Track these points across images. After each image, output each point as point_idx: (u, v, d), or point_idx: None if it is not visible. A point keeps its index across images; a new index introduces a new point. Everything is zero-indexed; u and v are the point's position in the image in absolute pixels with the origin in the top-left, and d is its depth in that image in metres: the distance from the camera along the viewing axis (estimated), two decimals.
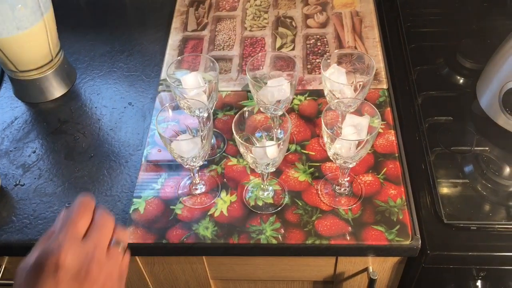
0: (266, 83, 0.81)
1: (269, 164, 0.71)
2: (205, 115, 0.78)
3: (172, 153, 0.73)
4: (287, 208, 0.78)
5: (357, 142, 0.69)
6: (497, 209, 0.78)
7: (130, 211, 0.79)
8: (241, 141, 0.69)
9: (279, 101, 0.78)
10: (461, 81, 0.95)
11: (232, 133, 0.70)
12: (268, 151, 0.69)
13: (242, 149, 0.71)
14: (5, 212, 0.81)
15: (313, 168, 0.83)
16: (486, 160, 0.82)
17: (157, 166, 0.85)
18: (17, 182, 0.85)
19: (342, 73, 0.78)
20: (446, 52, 0.99)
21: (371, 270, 0.81)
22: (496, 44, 0.89)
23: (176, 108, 0.77)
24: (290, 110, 0.91)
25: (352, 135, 0.71)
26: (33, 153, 0.89)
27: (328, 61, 0.81)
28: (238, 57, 1.01)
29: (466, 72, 0.96)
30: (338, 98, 0.77)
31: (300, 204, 0.79)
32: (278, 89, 0.76)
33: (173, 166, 0.85)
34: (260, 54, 0.85)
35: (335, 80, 0.76)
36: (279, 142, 0.69)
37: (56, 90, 0.97)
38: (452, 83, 0.95)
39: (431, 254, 0.73)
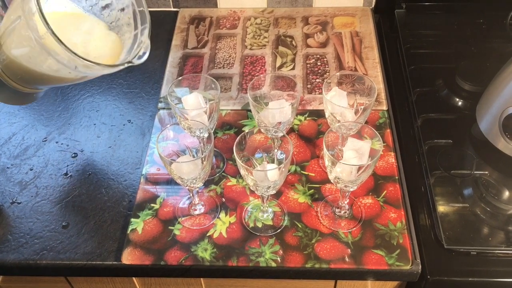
0: (267, 103, 0.81)
1: (270, 186, 0.71)
2: (206, 135, 0.78)
3: (172, 174, 0.73)
4: (287, 230, 0.78)
5: (358, 166, 0.69)
6: (496, 234, 0.77)
7: (128, 231, 0.79)
8: (243, 164, 0.68)
9: (279, 123, 0.78)
10: (460, 103, 0.96)
11: (232, 153, 0.70)
12: (269, 174, 0.69)
13: (243, 172, 0.71)
14: (1, 230, 0.80)
15: (313, 190, 0.83)
16: (486, 184, 0.82)
17: (156, 185, 0.84)
18: (14, 200, 0.84)
19: (343, 96, 0.79)
20: (445, 74, 1.00)
21: None
22: (495, 67, 0.89)
23: (176, 127, 0.76)
24: (290, 130, 0.91)
25: (353, 159, 0.71)
26: (30, 170, 0.88)
27: (329, 81, 0.81)
28: (238, 75, 1.01)
29: (465, 94, 0.96)
30: (339, 121, 0.77)
31: (300, 226, 0.78)
32: (279, 111, 0.76)
33: (172, 186, 0.84)
34: (262, 75, 0.85)
35: (336, 103, 0.76)
36: (281, 166, 0.68)
37: None
38: (451, 105, 0.96)
39: (431, 279, 0.73)
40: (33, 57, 0.70)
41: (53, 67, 0.70)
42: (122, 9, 0.77)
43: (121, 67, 0.72)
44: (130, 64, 0.73)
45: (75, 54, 0.65)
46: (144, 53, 0.75)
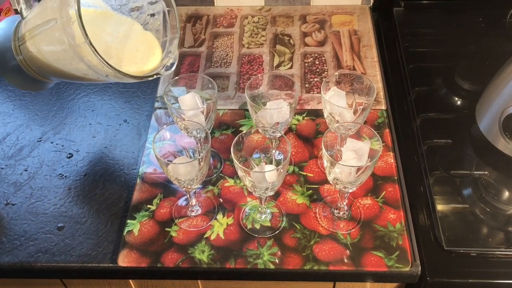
0: (264, 103, 0.80)
1: (268, 188, 0.70)
2: (203, 135, 0.77)
3: (169, 175, 0.72)
4: (285, 232, 0.77)
5: (357, 167, 0.68)
6: (496, 235, 0.77)
7: (124, 233, 0.77)
8: (241, 166, 0.67)
9: (277, 123, 0.77)
10: (459, 102, 0.95)
11: (229, 153, 0.69)
12: (267, 176, 0.68)
13: (240, 173, 0.70)
14: None
15: (311, 191, 0.82)
16: (486, 184, 0.82)
17: (152, 186, 0.83)
18: (8, 201, 0.83)
19: (342, 96, 0.78)
20: (445, 73, 0.99)
21: None
22: (494, 66, 0.89)
23: (172, 127, 0.75)
24: (288, 130, 0.90)
25: (353, 160, 0.70)
26: (25, 171, 0.87)
27: (327, 81, 0.80)
28: (235, 74, 1.00)
29: (464, 94, 0.95)
30: (338, 121, 0.76)
31: (298, 227, 0.78)
32: (277, 111, 0.75)
33: (168, 187, 0.83)
34: (259, 75, 0.84)
35: (335, 103, 0.75)
36: (279, 167, 0.67)
37: None
38: (450, 104, 0.95)
39: (431, 281, 0.72)
40: (62, 59, 0.69)
41: (82, 71, 0.69)
42: (152, 15, 0.76)
43: (150, 78, 0.72)
44: (158, 76, 0.73)
45: (111, 66, 0.64)
46: (172, 64, 0.74)
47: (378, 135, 0.71)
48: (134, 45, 0.75)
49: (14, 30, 0.73)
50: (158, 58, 0.75)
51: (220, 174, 0.85)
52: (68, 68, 0.70)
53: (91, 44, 0.62)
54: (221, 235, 0.77)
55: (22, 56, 0.72)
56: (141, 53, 0.75)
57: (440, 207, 0.79)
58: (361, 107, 0.75)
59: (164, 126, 0.74)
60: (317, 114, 0.93)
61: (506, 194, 0.81)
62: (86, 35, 0.62)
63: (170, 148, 0.76)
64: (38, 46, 0.70)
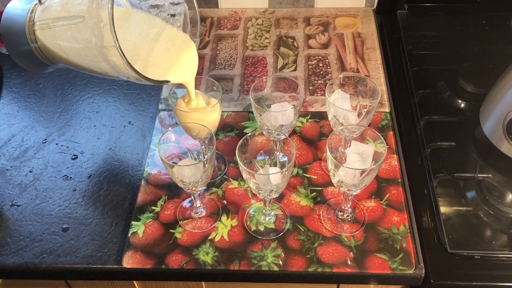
0: (269, 105, 0.80)
1: (272, 190, 0.70)
2: (207, 137, 0.77)
3: (174, 177, 0.72)
4: (289, 234, 0.77)
5: (361, 170, 0.69)
6: (500, 237, 0.77)
7: (129, 234, 0.78)
8: (245, 168, 0.68)
9: (282, 125, 0.78)
10: (463, 105, 0.95)
11: (233, 155, 0.69)
12: (272, 178, 0.68)
13: (245, 175, 0.70)
14: (0, 233, 0.79)
15: (315, 193, 0.82)
16: (489, 187, 0.82)
17: (157, 188, 0.84)
18: (13, 202, 0.83)
19: (346, 99, 0.78)
20: (448, 75, 0.99)
21: None
22: (497, 69, 0.89)
23: (177, 129, 0.76)
24: (292, 132, 0.90)
25: (357, 162, 0.70)
26: (30, 172, 0.87)
27: (331, 83, 0.81)
28: (239, 76, 1.01)
29: (468, 96, 0.95)
30: (342, 124, 0.77)
31: (302, 229, 0.78)
32: (282, 114, 0.76)
33: (173, 188, 0.83)
34: (264, 77, 0.84)
35: (339, 106, 0.75)
36: (284, 170, 0.68)
37: None
38: (454, 107, 0.95)
39: (435, 284, 0.72)
40: (84, 55, 0.67)
41: (104, 69, 0.67)
42: (173, 15, 0.75)
43: (168, 83, 0.72)
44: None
45: (136, 71, 0.62)
46: None
47: (382, 137, 0.72)
48: (165, 45, 0.73)
49: (29, 14, 0.70)
50: (194, 53, 0.73)
51: (224, 176, 0.85)
52: (88, 64, 0.68)
53: (120, 48, 0.60)
54: (225, 237, 0.77)
55: (38, 44, 0.70)
56: (172, 52, 0.73)
57: (444, 209, 0.79)
58: (365, 109, 0.76)
59: (169, 128, 0.74)
60: (321, 116, 0.93)
61: (510, 197, 0.82)
62: (117, 39, 0.60)
63: (174, 150, 0.77)
64: (58, 39, 0.68)
